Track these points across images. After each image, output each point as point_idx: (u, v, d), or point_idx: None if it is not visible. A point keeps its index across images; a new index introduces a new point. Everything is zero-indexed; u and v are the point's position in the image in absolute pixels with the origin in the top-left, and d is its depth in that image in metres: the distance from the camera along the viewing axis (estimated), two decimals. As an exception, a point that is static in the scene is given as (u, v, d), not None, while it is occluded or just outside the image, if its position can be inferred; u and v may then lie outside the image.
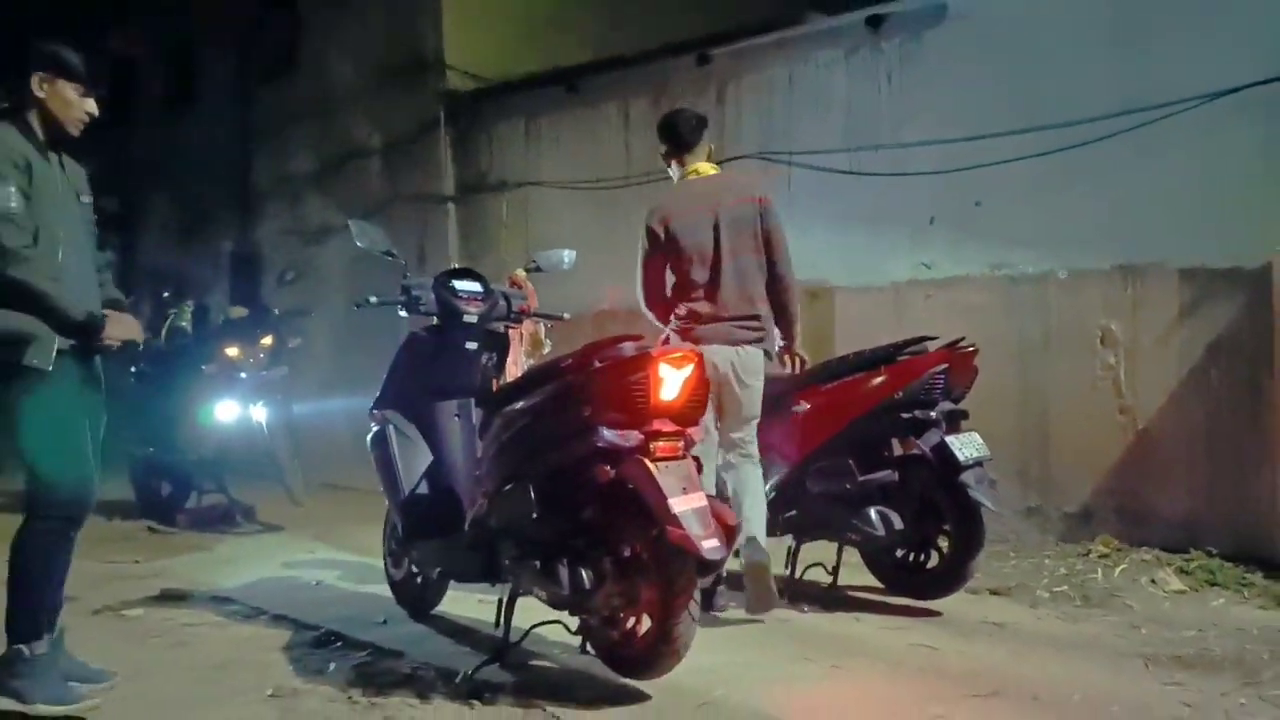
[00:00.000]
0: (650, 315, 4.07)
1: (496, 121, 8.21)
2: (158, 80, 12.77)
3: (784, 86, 6.23)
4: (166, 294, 8.15)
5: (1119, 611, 4.00)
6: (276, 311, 7.25)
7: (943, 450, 3.86)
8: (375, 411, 3.98)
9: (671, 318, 3.98)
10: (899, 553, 4.18)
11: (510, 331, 4.21)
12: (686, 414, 3.08)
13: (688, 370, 3.04)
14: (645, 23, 8.11)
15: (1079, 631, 3.76)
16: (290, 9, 10.39)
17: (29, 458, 2.92)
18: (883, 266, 5.74)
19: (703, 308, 3.90)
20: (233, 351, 6.57)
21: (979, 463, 3.89)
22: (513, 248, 8.03)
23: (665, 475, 2.97)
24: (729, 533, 3.00)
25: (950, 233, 5.49)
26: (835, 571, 4.44)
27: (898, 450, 4.08)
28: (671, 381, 3.03)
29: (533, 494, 3.13)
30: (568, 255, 4.29)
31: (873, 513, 4.02)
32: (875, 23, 5.76)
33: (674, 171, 4.12)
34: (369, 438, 3.97)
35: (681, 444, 3.07)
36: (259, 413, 6.56)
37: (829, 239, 5.82)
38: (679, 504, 2.92)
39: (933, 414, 3.94)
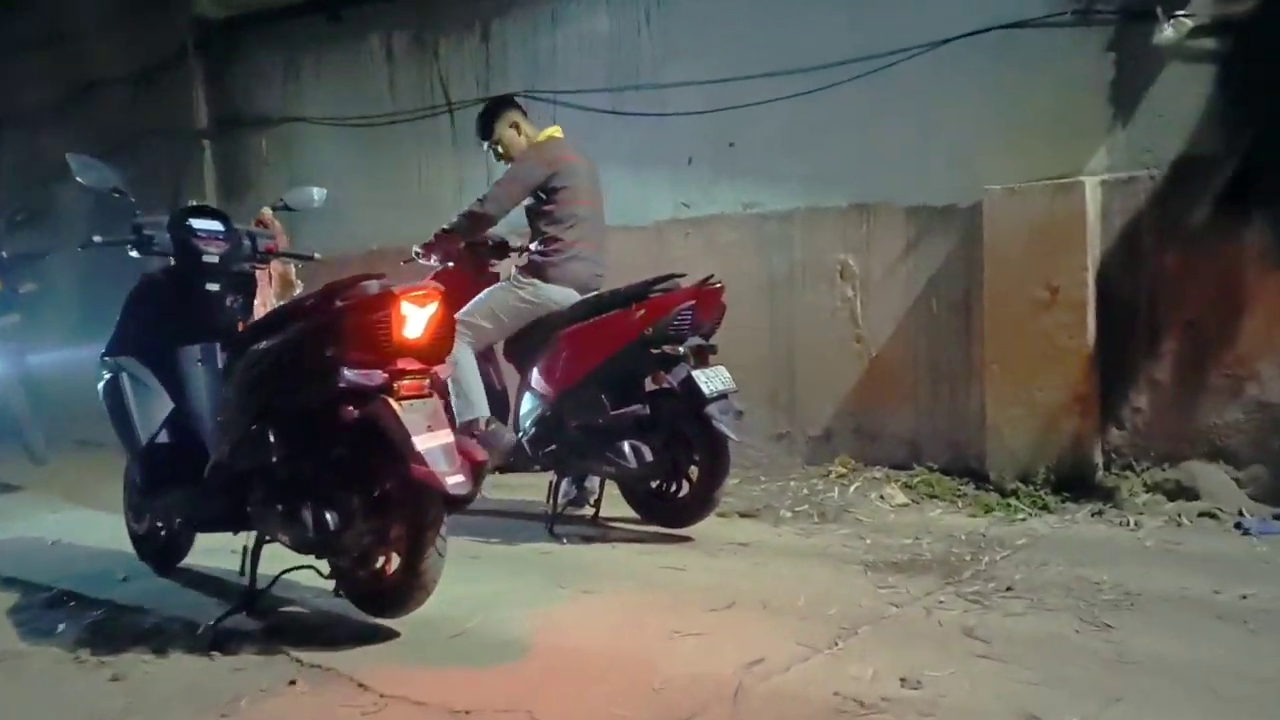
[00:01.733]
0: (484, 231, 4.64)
1: (255, 53, 7.78)
2: None
3: (548, 23, 6.22)
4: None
5: (850, 525, 4.36)
6: (4, 254, 6.68)
7: (690, 384, 4.05)
8: (106, 359, 3.79)
9: (535, 245, 4.52)
10: (653, 483, 4.38)
11: (258, 272, 4.08)
12: (432, 352, 3.10)
13: (431, 308, 3.06)
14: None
15: (812, 545, 4.08)
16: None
17: None
18: (646, 206, 5.89)
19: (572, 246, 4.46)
20: (-45, 299, 6.06)
21: (724, 395, 4.10)
22: (275, 187, 7.69)
23: (410, 413, 2.99)
24: (476, 467, 3.06)
25: (707, 173, 5.69)
26: (596, 504, 4.61)
27: (650, 385, 4.25)
28: (415, 319, 3.04)
29: (273, 436, 3.09)
30: (317, 193, 4.18)
31: (625, 446, 4.18)
32: (635, -37, 5.84)
33: (529, 131, 4.70)
34: (99, 386, 3.78)
35: (427, 383, 3.09)
36: (-12, 360, 6.11)
37: (594, 178, 5.91)
38: (423, 441, 2.95)
39: (681, 349, 4.11)
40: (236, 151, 7.93)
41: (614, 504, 4.54)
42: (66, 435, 6.69)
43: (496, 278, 4.68)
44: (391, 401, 2.99)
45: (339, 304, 3.08)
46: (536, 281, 4.43)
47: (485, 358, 4.66)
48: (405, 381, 3.02)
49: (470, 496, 3.00)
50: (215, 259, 3.74)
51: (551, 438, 4.37)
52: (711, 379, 4.11)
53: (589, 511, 4.64)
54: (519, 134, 4.68)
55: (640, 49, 5.91)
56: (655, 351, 4.11)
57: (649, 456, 4.19)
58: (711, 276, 4.25)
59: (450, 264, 4.75)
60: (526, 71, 6.29)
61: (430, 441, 2.96)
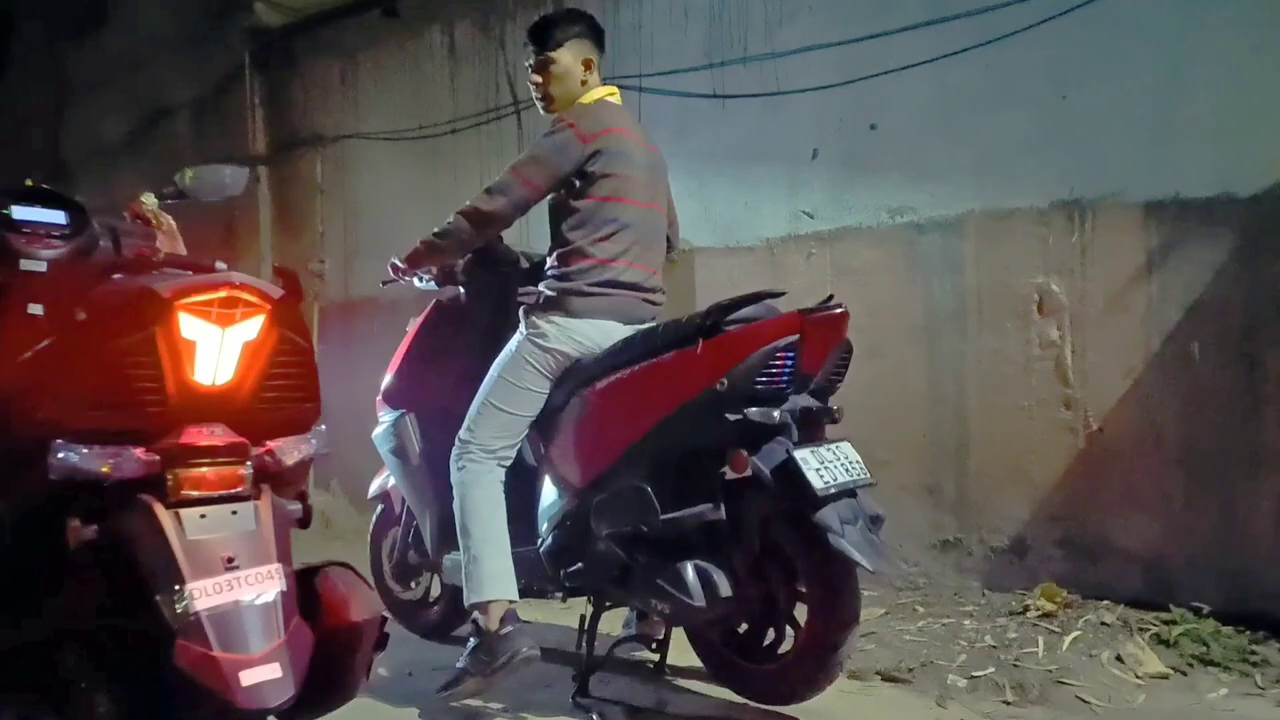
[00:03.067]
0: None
1: (310, 62, 6.71)
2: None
3: (635, -13, 4.80)
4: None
5: (1070, 711, 2.59)
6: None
7: (790, 471, 2.40)
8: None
9: (552, 261, 2.94)
10: (740, 629, 2.74)
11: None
12: (260, 413, 1.64)
13: (250, 326, 1.59)
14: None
15: (1006, 759, 2.34)
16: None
17: None
18: (755, 218, 4.32)
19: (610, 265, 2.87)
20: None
21: (850, 491, 2.44)
22: (331, 217, 6.56)
23: (196, 533, 1.54)
24: (329, 652, 1.56)
25: (838, 169, 4.08)
26: (662, 648, 3.01)
27: (729, 473, 2.59)
28: (211, 349, 1.57)
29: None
30: (230, 171, 2.81)
31: (688, 569, 2.55)
32: (738, -105, 4.34)
33: (594, 84, 3.03)
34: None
35: (244, 470, 1.62)
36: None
37: (687, 186, 4.38)
38: (207, 592, 1.48)
39: (776, 414, 2.48)
40: (292, 177, 6.86)
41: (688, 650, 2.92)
42: None
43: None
44: (159, 508, 1.53)
45: (79, 316, 1.64)
46: (557, 318, 2.88)
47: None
48: (193, 471, 1.57)
49: (283, 705, 1.48)
50: (42, 266, 2.39)
51: (578, 550, 2.80)
52: (828, 464, 2.44)
53: (652, 656, 3.04)
54: (583, 78, 3.00)
55: (749, 11, 4.38)
56: (734, 417, 2.47)
57: (724, 588, 2.54)
58: (830, 298, 2.61)
59: (451, 290, 3.29)
60: (606, 53, 4.83)
61: (224, 594, 1.49)
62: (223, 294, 1.57)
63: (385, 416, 3.34)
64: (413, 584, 3.56)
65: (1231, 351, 3.17)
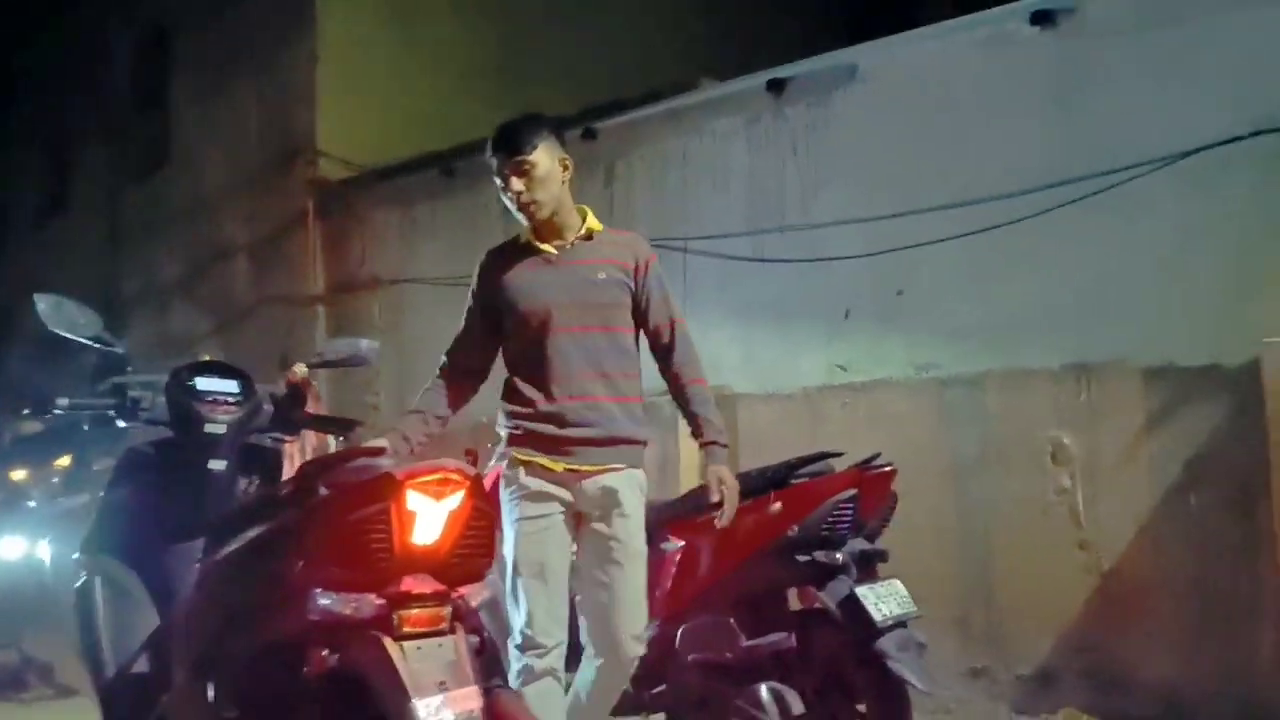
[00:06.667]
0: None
1: (370, 211, 7.33)
2: (30, 185, 11.99)
3: (678, 162, 5.39)
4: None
5: (1098, 829, 2.94)
6: (85, 427, 6.12)
7: (853, 605, 2.84)
8: (80, 556, 2.90)
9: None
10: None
11: (286, 446, 3.17)
12: (455, 565, 2.06)
13: (453, 500, 2.02)
14: (530, 105, 7.34)
15: None
16: (162, 104, 9.67)
17: None
18: (792, 368, 4.81)
19: None
20: (19, 475, 5.48)
21: (903, 622, 2.88)
22: (386, 353, 7.04)
23: (415, 661, 1.94)
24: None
25: (869, 327, 4.59)
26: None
27: (795, 604, 3.04)
28: (428, 517, 2.00)
29: (213, 694, 2.06)
30: (366, 344, 3.30)
31: (763, 690, 2.96)
32: (777, 87, 4.96)
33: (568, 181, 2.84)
34: (74, 589, 2.89)
35: (446, 612, 2.04)
36: (45, 550, 5.44)
37: (730, 336, 4.91)
38: (431, 707, 1.88)
39: (839, 556, 2.92)
40: (350, 315, 7.40)
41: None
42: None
43: None
44: (387, 642, 1.94)
45: (319, 494, 2.08)
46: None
47: None
48: (411, 611, 1.98)
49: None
50: (222, 429, 2.84)
51: (662, 674, 3.19)
52: (884, 599, 2.90)
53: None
54: (563, 179, 2.78)
55: (786, 183, 4.97)
56: (803, 559, 2.92)
57: (797, 707, 2.94)
58: (878, 456, 3.08)
59: None
60: (653, 214, 5.42)
61: (443, 709, 1.89)
62: (439, 475, 2.02)
63: None
64: None
65: (1227, 501, 3.61)
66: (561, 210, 2.81)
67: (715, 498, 2.74)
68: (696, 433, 2.82)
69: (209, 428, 2.82)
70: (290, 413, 3.06)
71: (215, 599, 2.18)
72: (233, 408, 2.88)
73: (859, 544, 3.02)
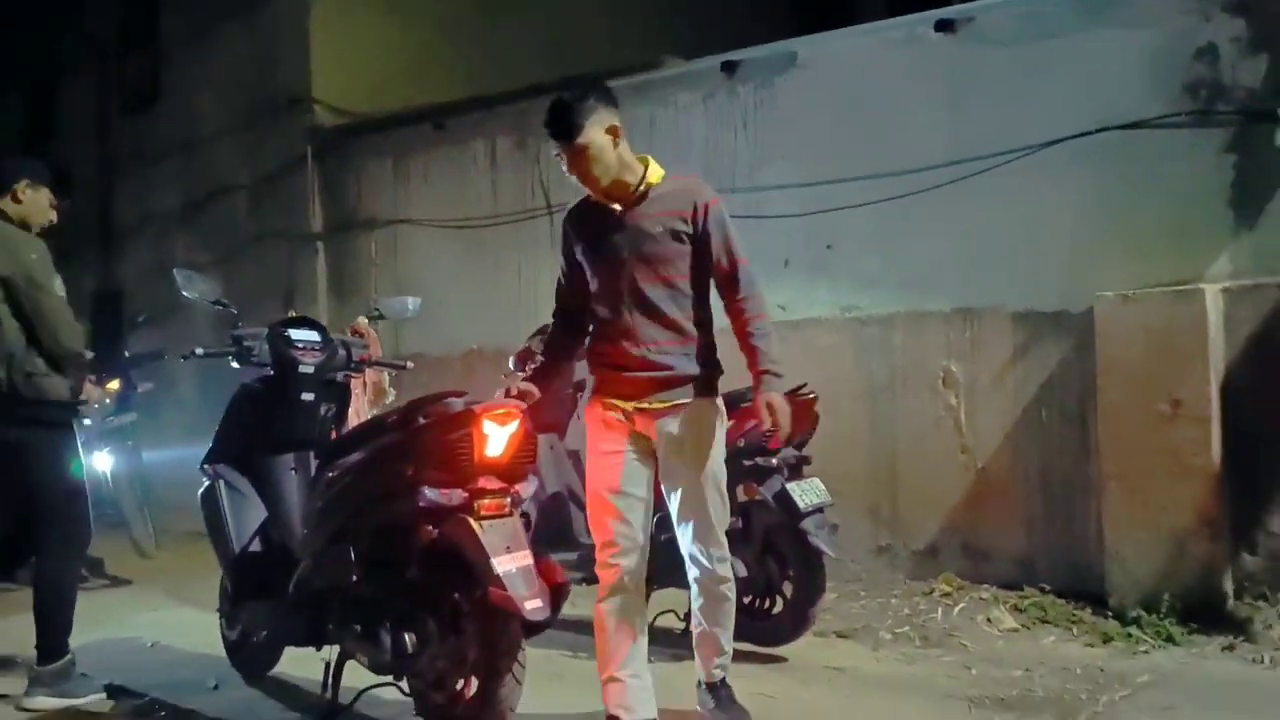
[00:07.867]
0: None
1: (365, 159, 8.09)
2: (17, 114, 12.28)
3: (646, 127, 6.27)
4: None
5: (955, 651, 4.09)
6: (127, 354, 6.97)
7: (784, 497, 3.92)
8: (205, 466, 3.86)
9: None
10: (745, 599, 4.20)
11: (351, 381, 4.13)
12: (512, 470, 3.05)
13: (512, 426, 3.00)
14: (515, 60, 8.11)
15: (913, 674, 3.84)
16: (152, 41, 10.12)
17: (64, 502, 3.79)
18: (741, 308, 5.80)
19: None
20: (111, 385, 6.34)
21: (820, 509, 3.95)
22: (383, 287, 7.90)
23: (489, 534, 2.92)
24: (556, 592, 2.96)
25: (804, 275, 5.60)
26: (687, 618, 4.45)
27: (742, 496, 4.11)
28: (496, 438, 2.99)
29: (353, 555, 3.07)
30: (412, 302, 4.24)
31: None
32: (730, 68, 5.87)
33: (622, 144, 3.05)
34: (199, 493, 3.85)
35: (508, 501, 3.03)
36: (103, 461, 6.33)
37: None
38: (502, 563, 2.87)
39: (774, 461, 3.98)
40: (347, 253, 8.18)
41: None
42: (177, 528, 6.85)
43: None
44: (471, 521, 2.93)
45: (421, 421, 3.06)
46: None
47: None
48: (485, 501, 2.97)
49: (549, 622, 2.90)
50: (310, 369, 3.80)
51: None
52: (806, 492, 3.98)
53: (679, 626, 4.49)
54: (615, 145, 3.01)
55: (737, 152, 5.91)
56: (747, 463, 3.99)
57: (742, 571, 4.00)
58: (803, 386, 4.12)
59: None
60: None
61: (509, 564, 2.89)
62: (503, 410, 3.00)
63: None
64: None
65: (1068, 415, 4.73)
66: (622, 171, 3.02)
67: (766, 426, 3.17)
68: (752, 364, 3.15)
69: (301, 368, 3.78)
70: (355, 355, 4.00)
71: (346, 492, 3.16)
72: (317, 353, 3.84)
73: (790, 452, 4.07)
